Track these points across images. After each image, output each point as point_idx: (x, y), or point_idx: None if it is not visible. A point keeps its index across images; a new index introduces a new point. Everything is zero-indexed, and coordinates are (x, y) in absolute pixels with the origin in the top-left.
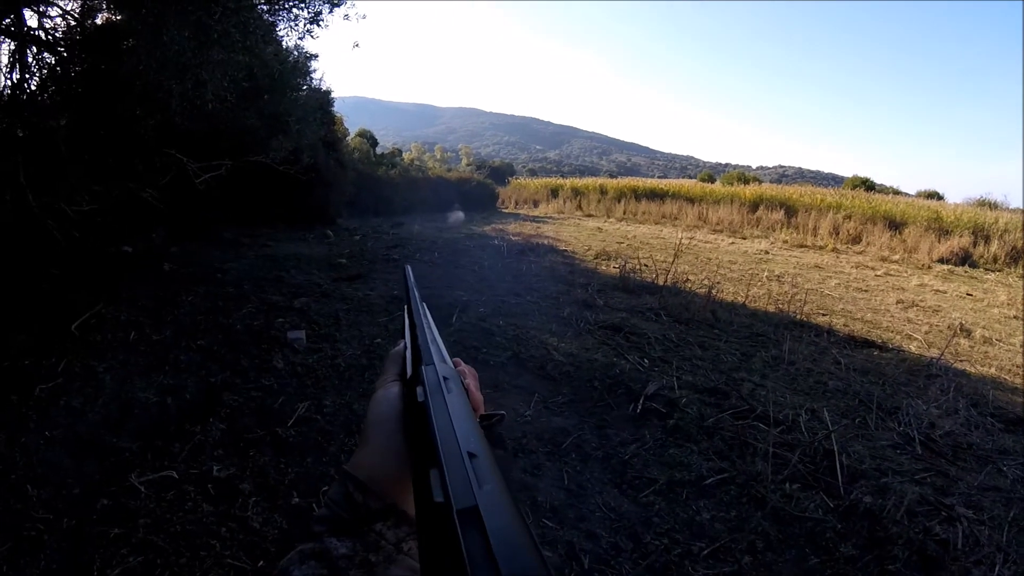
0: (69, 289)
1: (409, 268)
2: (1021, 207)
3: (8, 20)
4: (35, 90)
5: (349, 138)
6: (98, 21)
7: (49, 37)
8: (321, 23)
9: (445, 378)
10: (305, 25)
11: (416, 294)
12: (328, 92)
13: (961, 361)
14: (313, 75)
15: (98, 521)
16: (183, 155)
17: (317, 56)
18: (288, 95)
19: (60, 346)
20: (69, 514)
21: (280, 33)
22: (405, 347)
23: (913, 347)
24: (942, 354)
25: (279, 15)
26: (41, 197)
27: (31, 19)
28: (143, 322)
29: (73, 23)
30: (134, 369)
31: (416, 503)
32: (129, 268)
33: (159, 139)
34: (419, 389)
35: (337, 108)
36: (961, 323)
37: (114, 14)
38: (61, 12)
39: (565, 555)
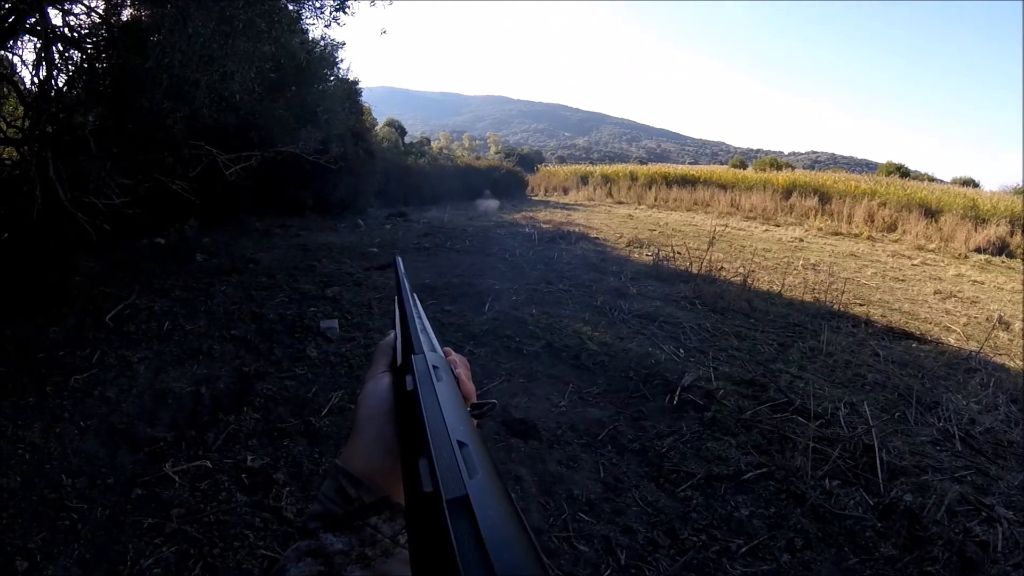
0: (103, 281)
1: (399, 259)
2: None
3: (33, 19)
4: (62, 87)
5: (377, 128)
6: (124, 17)
7: (75, 35)
8: (347, 10)
9: (435, 367)
10: (331, 12)
11: (407, 284)
12: (355, 82)
13: (1000, 355)
14: (340, 65)
15: (132, 511)
16: (213, 147)
17: (344, 44)
18: (316, 86)
19: (94, 337)
20: (103, 504)
21: (306, 22)
22: (395, 338)
23: (952, 339)
24: (981, 347)
25: (304, 3)
26: (71, 192)
27: (55, 17)
28: (177, 312)
29: (98, 20)
30: (168, 359)
31: (405, 493)
32: (162, 259)
33: (188, 132)
34: (408, 378)
35: (364, 98)
36: (1000, 315)
37: (139, 10)
38: (86, 9)
39: (602, 550)
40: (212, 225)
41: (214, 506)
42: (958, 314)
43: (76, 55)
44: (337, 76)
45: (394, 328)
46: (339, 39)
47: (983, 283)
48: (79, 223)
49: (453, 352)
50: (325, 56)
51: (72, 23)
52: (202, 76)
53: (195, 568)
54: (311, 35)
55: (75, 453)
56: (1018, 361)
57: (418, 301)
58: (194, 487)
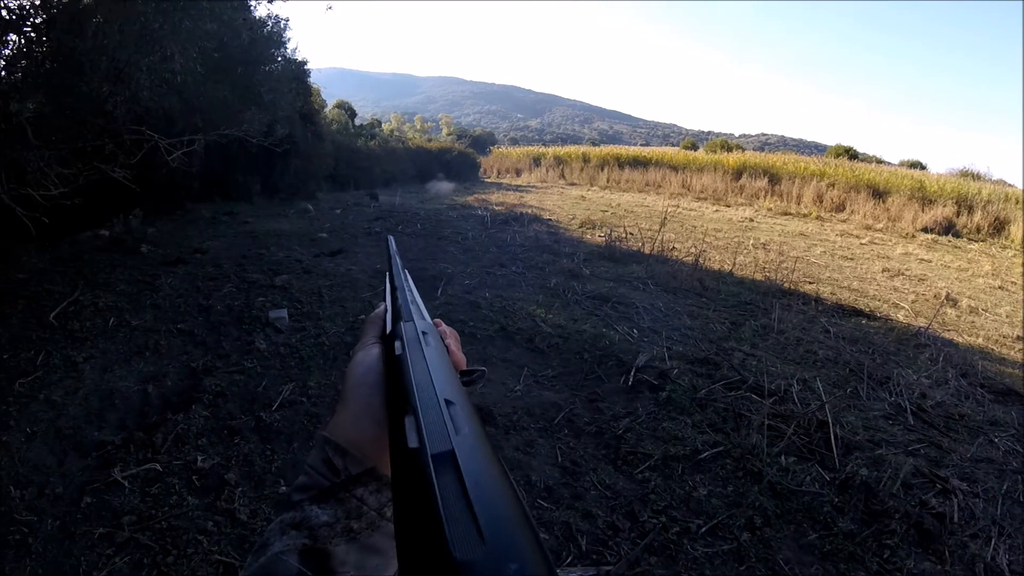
0: (46, 278)
1: (391, 238)
2: (1002, 178)
3: None
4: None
5: (327, 110)
6: None
7: (12, 16)
8: None
9: (424, 332)
10: None
11: (398, 260)
12: (304, 63)
13: (948, 331)
14: (287, 45)
15: (83, 520)
16: (156, 132)
17: (288, 20)
18: (262, 66)
19: (39, 337)
20: (53, 514)
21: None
22: (385, 310)
23: (901, 316)
24: (930, 324)
25: None
26: (9, 184)
27: None
28: (122, 307)
29: (38, 1)
30: (114, 357)
31: (391, 452)
32: (107, 252)
33: (129, 117)
34: (397, 343)
35: (314, 79)
36: (947, 292)
37: None
38: None
39: (562, 537)
40: (158, 214)
41: (165, 511)
42: (906, 291)
43: (13, 38)
44: (285, 56)
45: (384, 302)
46: (284, 15)
47: (930, 261)
48: (18, 217)
49: (444, 323)
50: (272, 36)
51: (10, 5)
52: (143, 57)
53: None
54: (256, 14)
55: (22, 462)
56: (966, 336)
57: (408, 276)
58: (144, 492)
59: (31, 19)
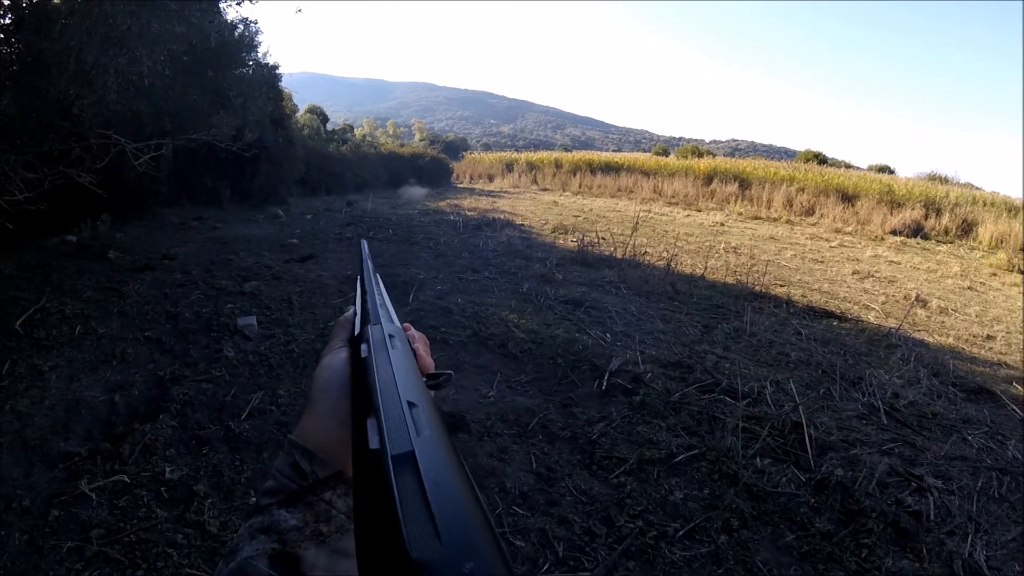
0: (11, 284)
1: (365, 242)
2: (969, 182)
3: None
4: None
5: (298, 114)
6: None
7: None
8: None
9: (391, 336)
10: None
11: (370, 264)
12: (275, 67)
13: (919, 331)
14: (259, 49)
15: (51, 534)
16: (124, 136)
17: (258, 22)
18: (233, 70)
19: (4, 346)
20: (21, 528)
21: (221, 3)
22: (355, 313)
23: (871, 317)
24: (901, 324)
25: None
26: None
27: None
28: (89, 314)
29: (8, 2)
30: (80, 366)
31: (353, 453)
32: (74, 258)
33: (97, 120)
34: (363, 346)
35: (285, 84)
36: (917, 293)
37: None
38: None
39: (538, 543)
40: (126, 220)
41: (134, 524)
42: (876, 293)
43: None
44: (256, 61)
45: (354, 305)
46: (253, 17)
47: (899, 263)
48: None
49: (413, 328)
50: (243, 40)
51: None
52: (110, 59)
53: None
54: (227, 17)
55: None
56: (937, 336)
57: (380, 280)
58: (113, 504)
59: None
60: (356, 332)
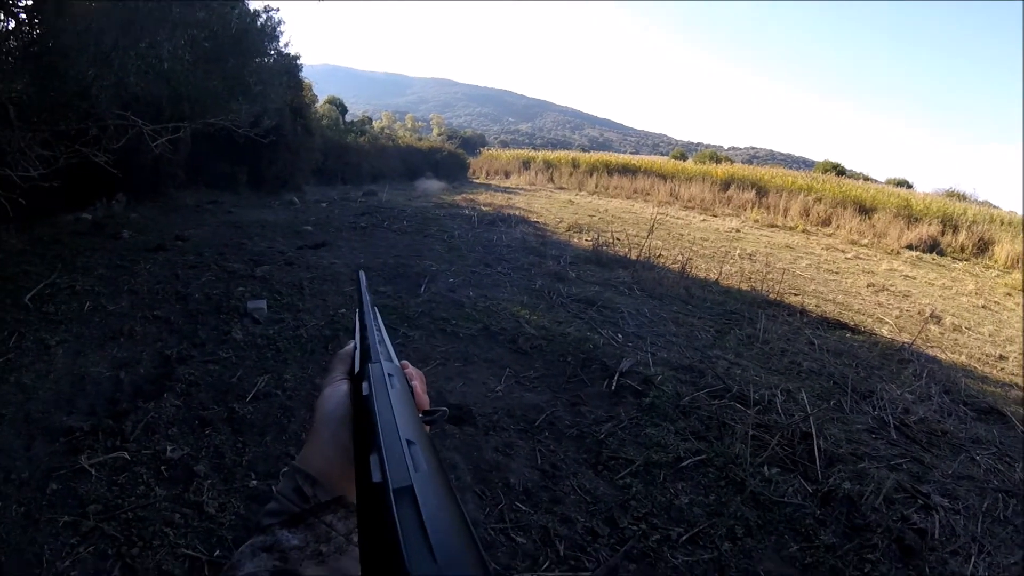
0: (24, 259)
1: (362, 273)
2: (987, 200)
3: None
4: None
5: (318, 105)
6: None
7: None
8: None
9: (390, 375)
10: None
11: (367, 298)
12: (296, 57)
13: (932, 347)
14: (280, 39)
15: (48, 507)
16: (143, 119)
17: (279, 11)
18: (254, 58)
19: (13, 319)
20: (18, 500)
21: None
22: (355, 348)
23: (885, 331)
24: (914, 340)
25: None
26: None
27: None
28: (99, 291)
29: None
30: (88, 342)
31: (357, 484)
32: (87, 235)
33: (115, 102)
34: (364, 384)
35: (306, 75)
36: (931, 310)
37: None
38: None
39: (540, 541)
40: (141, 200)
41: (132, 501)
42: (890, 307)
43: (7, 22)
44: (277, 50)
45: (353, 339)
46: (275, 5)
47: (914, 278)
48: None
49: (410, 366)
50: (265, 29)
51: None
52: (129, 42)
53: (113, 570)
54: (250, 5)
55: None
56: (949, 353)
57: (378, 314)
58: (111, 481)
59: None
60: (357, 369)
